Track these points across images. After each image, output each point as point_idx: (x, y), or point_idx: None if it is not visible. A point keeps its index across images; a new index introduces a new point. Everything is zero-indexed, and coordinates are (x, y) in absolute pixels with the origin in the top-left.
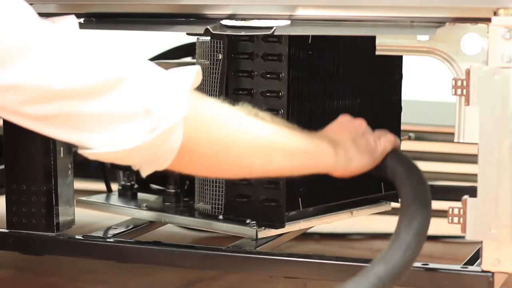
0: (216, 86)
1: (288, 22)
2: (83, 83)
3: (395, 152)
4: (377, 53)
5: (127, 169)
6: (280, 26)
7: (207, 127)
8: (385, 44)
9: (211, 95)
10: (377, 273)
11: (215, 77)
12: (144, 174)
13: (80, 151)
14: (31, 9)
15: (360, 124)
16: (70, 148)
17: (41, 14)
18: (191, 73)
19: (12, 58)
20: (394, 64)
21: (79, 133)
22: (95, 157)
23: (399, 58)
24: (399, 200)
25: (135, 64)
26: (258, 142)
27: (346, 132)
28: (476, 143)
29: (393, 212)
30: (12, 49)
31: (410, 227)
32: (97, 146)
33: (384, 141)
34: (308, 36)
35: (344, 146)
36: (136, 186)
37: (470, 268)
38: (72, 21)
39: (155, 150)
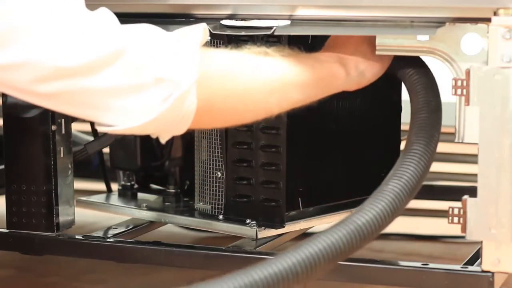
0: None
1: (288, 22)
2: (85, 59)
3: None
4: (377, 53)
5: (127, 169)
6: (280, 26)
7: (220, 82)
8: (385, 44)
9: None
10: (393, 189)
11: None
12: (163, 140)
13: (97, 127)
14: None
15: (350, 36)
16: (70, 148)
17: None
18: (197, 32)
19: (18, 36)
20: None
21: (93, 110)
22: (115, 133)
23: None
24: (410, 104)
25: (137, 33)
26: (271, 84)
27: (353, 43)
28: (476, 143)
29: None
30: (17, 28)
31: (421, 137)
32: (113, 123)
33: None
34: (308, 36)
35: (354, 61)
36: (136, 186)
37: (470, 268)
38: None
39: (172, 117)
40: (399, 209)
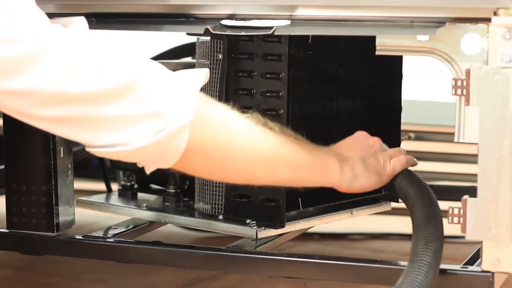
0: (216, 86)
1: (288, 22)
2: (95, 89)
3: (405, 173)
4: (377, 53)
5: (127, 169)
6: (280, 26)
7: (214, 131)
8: (385, 44)
9: (211, 95)
10: None
11: (215, 77)
12: (148, 171)
13: (87, 149)
14: (43, 13)
15: (374, 142)
16: (70, 148)
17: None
18: (200, 76)
19: (26, 64)
20: (394, 64)
21: (88, 133)
22: (102, 155)
23: (399, 58)
24: (412, 221)
25: (144, 68)
26: (263, 151)
27: (358, 148)
28: (476, 143)
29: (393, 212)
30: (26, 55)
31: (428, 248)
32: (104, 146)
33: (394, 162)
34: (308, 36)
35: (352, 163)
36: (136, 186)
37: (470, 268)
38: (82, 23)
39: (161, 150)
40: None
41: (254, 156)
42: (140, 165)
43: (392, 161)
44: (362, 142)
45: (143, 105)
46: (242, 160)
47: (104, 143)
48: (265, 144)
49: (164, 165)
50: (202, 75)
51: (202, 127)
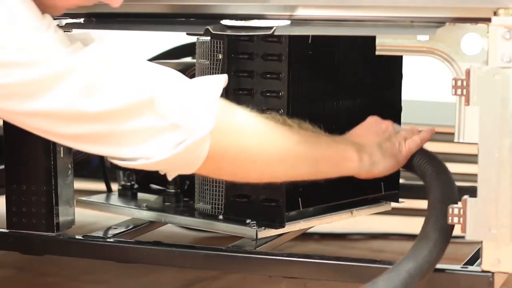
0: None
1: (288, 22)
2: (114, 107)
3: (420, 152)
4: (377, 53)
5: (127, 169)
6: (280, 26)
7: (236, 137)
8: (385, 44)
9: None
10: (407, 270)
11: None
12: (170, 178)
13: (110, 160)
14: (60, 32)
15: (387, 126)
16: (70, 148)
17: None
18: (219, 82)
19: (47, 87)
20: (394, 64)
21: (110, 148)
22: (125, 166)
23: (399, 58)
24: (428, 199)
25: (162, 81)
26: (284, 151)
27: (372, 135)
28: (476, 143)
29: (393, 212)
30: (46, 78)
31: (437, 225)
32: (128, 159)
33: (409, 143)
34: (308, 36)
35: (369, 150)
36: (136, 186)
37: (470, 268)
38: (100, 39)
39: (183, 160)
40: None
41: (275, 157)
42: (162, 173)
43: (407, 143)
44: (375, 127)
45: (162, 119)
46: (264, 162)
47: (127, 156)
48: (285, 144)
49: (186, 172)
50: (221, 81)
51: (223, 134)
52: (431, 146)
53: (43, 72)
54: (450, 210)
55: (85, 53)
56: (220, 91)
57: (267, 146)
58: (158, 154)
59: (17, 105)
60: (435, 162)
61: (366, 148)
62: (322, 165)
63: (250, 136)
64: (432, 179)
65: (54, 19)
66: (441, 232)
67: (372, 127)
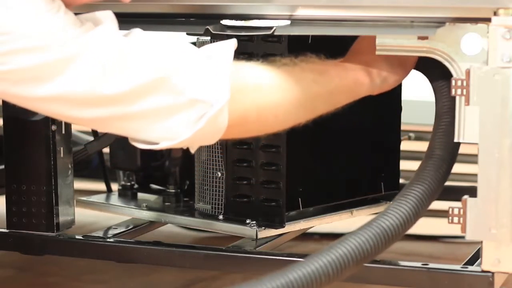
0: None
1: (288, 22)
2: (128, 88)
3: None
4: (377, 53)
5: (127, 169)
6: (280, 26)
7: (252, 97)
8: (385, 44)
9: None
10: (416, 194)
11: None
12: (192, 151)
13: (132, 142)
14: (71, 15)
15: None
16: (70, 148)
17: None
18: (229, 48)
19: (58, 70)
20: None
21: (130, 128)
22: (151, 149)
23: None
24: (435, 108)
25: (175, 58)
26: (301, 97)
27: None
28: (476, 143)
29: None
30: (57, 61)
31: (443, 141)
32: (149, 141)
33: None
34: (308, 36)
35: (377, 66)
36: (136, 186)
37: (470, 268)
38: (110, 20)
39: (205, 134)
40: (421, 212)
41: (294, 105)
42: (184, 148)
43: None
44: (367, 46)
45: (180, 94)
46: (285, 112)
47: (148, 137)
48: (301, 89)
49: (209, 143)
50: (231, 46)
51: (239, 99)
52: None
53: (55, 54)
54: (450, 210)
55: (97, 32)
56: (232, 57)
57: (284, 97)
58: (180, 133)
59: (31, 90)
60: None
61: (373, 66)
62: (337, 97)
63: (266, 92)
64: (439, 83)
65: None
66: (448, 152)
67: (373, 40)
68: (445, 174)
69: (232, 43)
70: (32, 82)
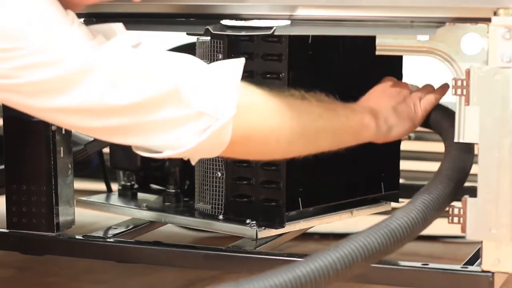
0: None
1: (288, 22)
2: (139, 99)
3: (436, 109)
4: (377, 53)
5: (127, 169)
6: (280, 26)
7: (257, 120)
8: (385, 44)
9: None
10: (423, 202)
11: None
12: (193, 162)
13: (135, 150)
14: (83, 28)
15: (401, 88)
16: (70, 148)
17: None
18: (238, 67)
19: (72, 83)
20: (394, 64)
21: (138, 138)
22: (153, 158)
23: (399, 58)
24: (444, 151)
25: (184, 71)
26: (305, 128)
27: (387, 97)
28: (476, 143)
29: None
30: (71, 75)
31: (452, 164)
32: (153, 150)
33: (424, 103)
34: (308, 36)
35: (385, 115)
36: (136, 186)
37: (470, 268)
38: (122, 34)
39: (208, 146)
40: (430, 217)
41: (297, 134)
42: (185, 159)
43: (422, 102)
44: (390, 90)
45: (187, 107)
46: (287, 139)
47: (154, 146)
48: (306, 120)
49: (210, 156)
50: (240, 65)
51: (244, 118)
52: (431, 146)
53: (70, 68)
54: (450, 210)
55: (109, 46)
56: (240, 75)
57: (288, 124)
58: (184, 143)
59: (45, 102)
60: (451, 117)
61: (381, 114)
62: (342, 136)
63: (271, 116)
64: (449, 135)
65: None
66: (456, 171)
67: (386, 90)
68: (453, 190)
69: (241, 62)
70: (47, 95)
